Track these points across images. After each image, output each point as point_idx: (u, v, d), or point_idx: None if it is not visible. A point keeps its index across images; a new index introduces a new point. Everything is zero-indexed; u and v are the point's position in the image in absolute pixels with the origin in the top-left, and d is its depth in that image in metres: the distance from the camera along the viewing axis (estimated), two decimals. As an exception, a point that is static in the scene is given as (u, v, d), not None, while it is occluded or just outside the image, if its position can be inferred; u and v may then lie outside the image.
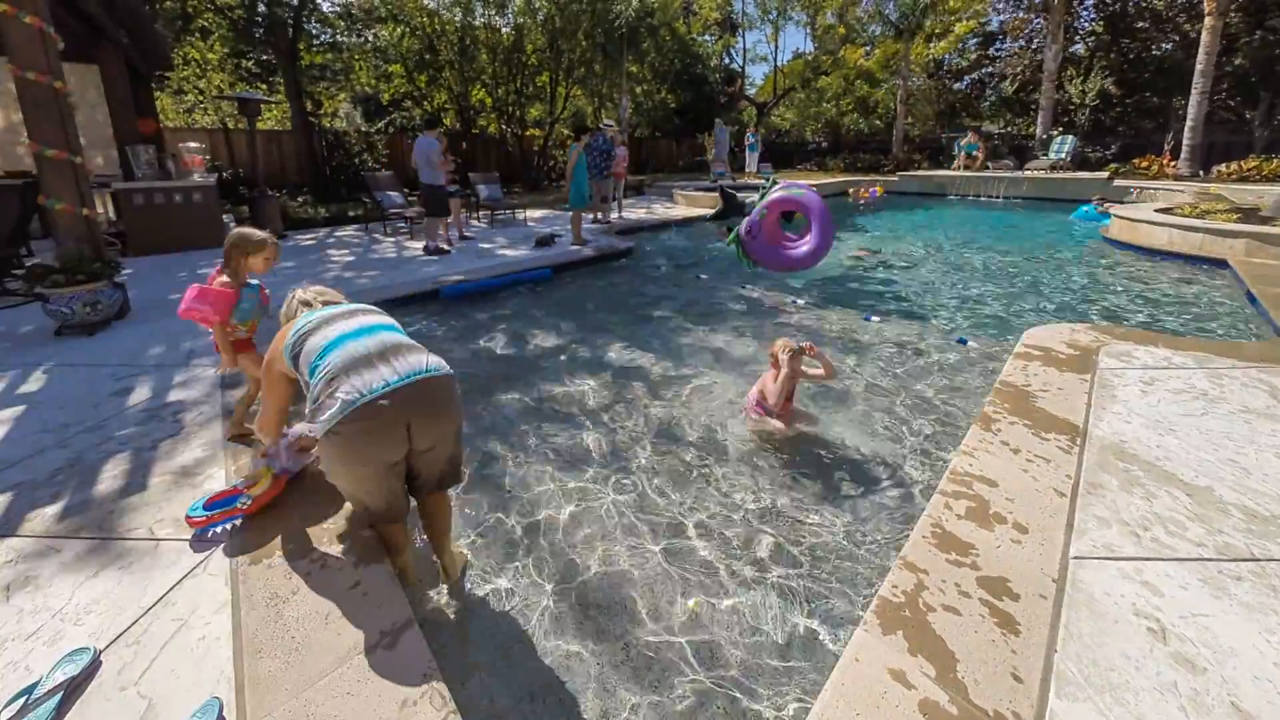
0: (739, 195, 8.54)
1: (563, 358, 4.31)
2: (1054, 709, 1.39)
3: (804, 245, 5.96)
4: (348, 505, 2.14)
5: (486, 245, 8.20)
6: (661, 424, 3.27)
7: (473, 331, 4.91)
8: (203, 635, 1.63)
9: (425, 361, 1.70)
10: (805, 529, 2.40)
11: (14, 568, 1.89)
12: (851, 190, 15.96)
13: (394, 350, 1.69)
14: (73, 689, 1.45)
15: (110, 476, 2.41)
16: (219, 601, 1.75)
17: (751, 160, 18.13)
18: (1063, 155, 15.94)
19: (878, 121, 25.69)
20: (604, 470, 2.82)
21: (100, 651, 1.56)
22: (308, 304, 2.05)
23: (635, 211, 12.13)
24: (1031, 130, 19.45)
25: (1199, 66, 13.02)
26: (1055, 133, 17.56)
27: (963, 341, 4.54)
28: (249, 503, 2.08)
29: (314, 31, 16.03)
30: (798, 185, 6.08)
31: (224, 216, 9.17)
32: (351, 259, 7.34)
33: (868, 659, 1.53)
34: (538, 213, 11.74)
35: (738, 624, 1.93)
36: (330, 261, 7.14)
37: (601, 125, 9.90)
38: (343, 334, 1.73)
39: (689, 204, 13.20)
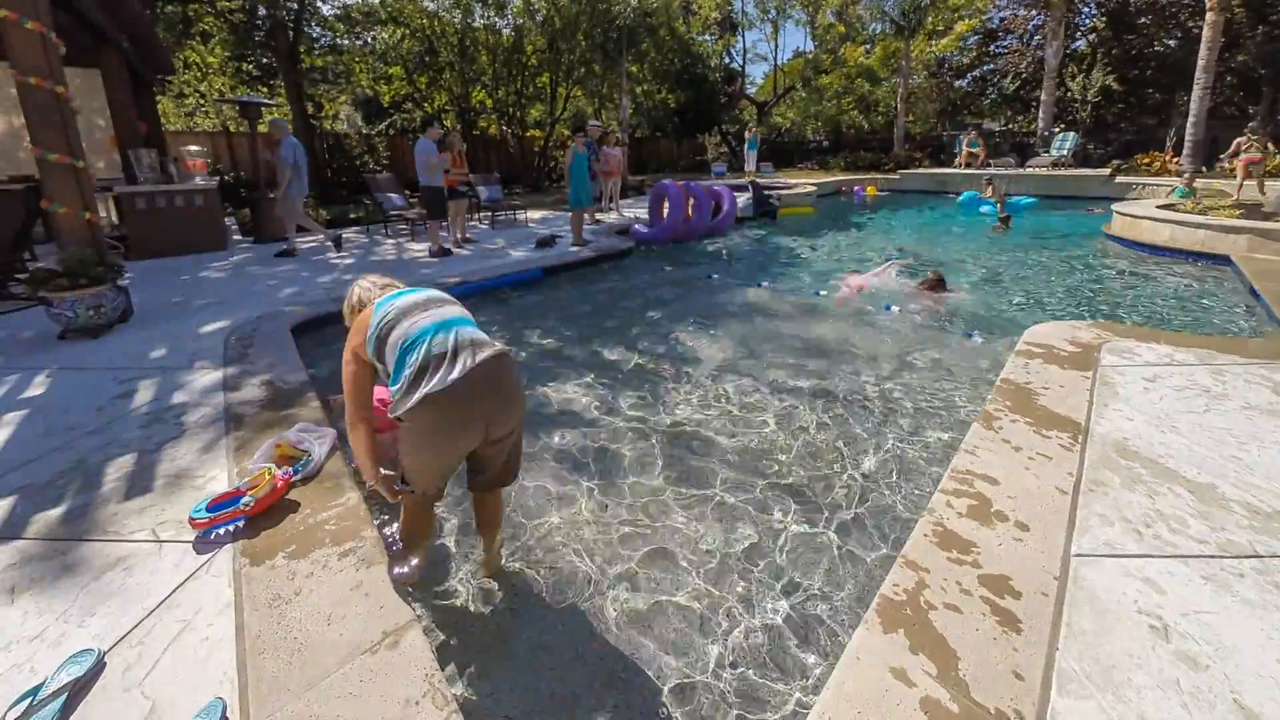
0: (767, 193, 9.55)
1: (559, 362, 4.32)
2: (1055, 707, 1.39)
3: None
4: (349, 506, 2.16)
5: (490, 247, 8.21)
6: (659, 427, 3.27)
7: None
8: (206, 636, 1.64)
9: (499, 354, 1.74)
10: (806, 528, 2.40)
11: (18, 570, 1.90)
12: (843, 189, 16.05)
13: (471, 344, 1.71)
14: (77, 690, 1.46)
15: (113, 479, 2.42)
16: (222, 603, 1.75)
17: (750, 159, 18.11)
18: (1064, 152, 15.90)
19: (879, 118, 25.64)
20: (606, 471, 2.82)
21: (104, 653, 1.57)
22: (370, 290, 1.98)
23: (637, 210, 12.12)
24: (1033, 127, 19.40)
25: (1201, 62, 12.97)
26: (1057, 130, 17.53)
27: (969, 335, 4.55)
28: (252, 504, 2.08)
29: (314, 34, 16.07)
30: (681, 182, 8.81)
31: (225, 219, 9.20)
32: (351, 261, 7.35)
33: (869, 657, 1.53)
34: (538, 214, 11.75)
35: (738, 624, 1.94)
36: (331, 264, 7.15)
37: (588, 125, 10.00)
38: (423, 329, 1.72)
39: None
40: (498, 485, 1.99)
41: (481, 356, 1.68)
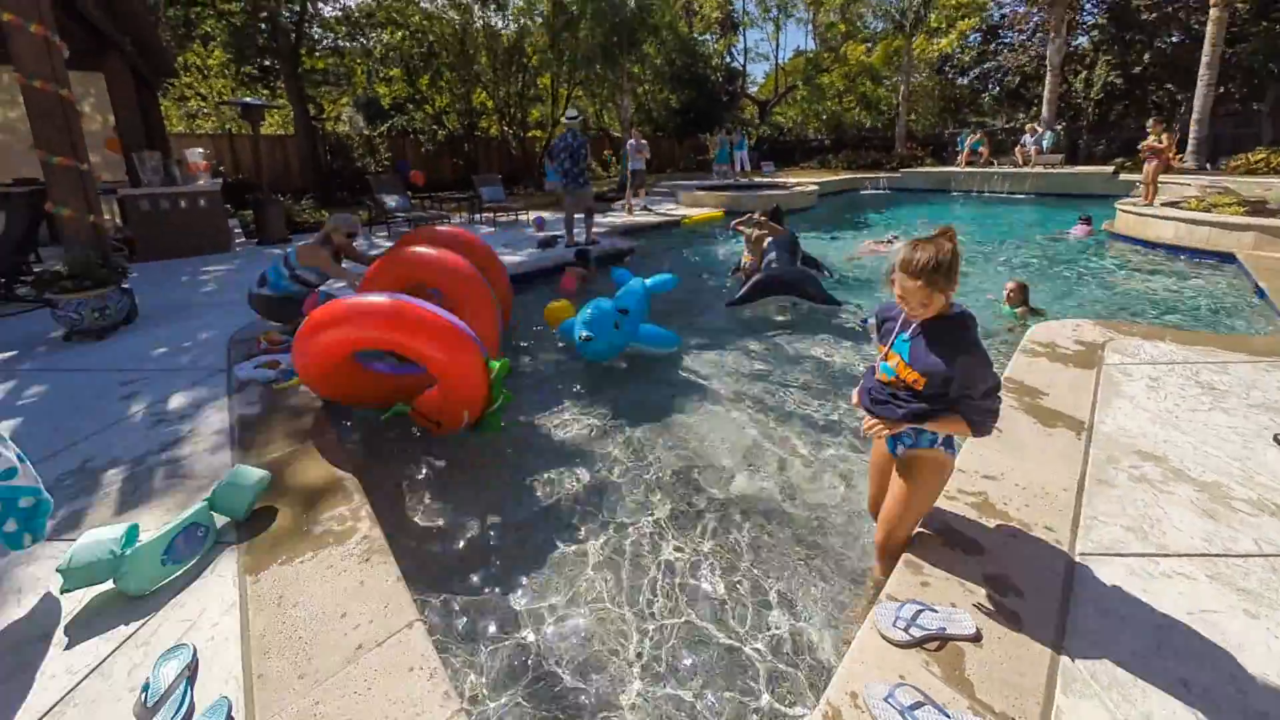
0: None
1: (551, 365, 4.32)
2: (1060, 706, 1.39)
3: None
4: (352, 506, 2.16)
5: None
6: (655, 433, 3.27)
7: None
8: (211, 636, 1.64)
9: None
10: (807, 528, 2.40)
11: (24, 570, 1.91)
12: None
13: None
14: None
15: (118, 480, 2.43)
16: (227, 602, 1.76)
17: (739, 160, 17.78)
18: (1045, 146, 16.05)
19: (881, 112, 25.57)
20: (594, 481, 2.82)
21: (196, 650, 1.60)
22: None
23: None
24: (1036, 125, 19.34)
25: (1204, 59, 12.92)
26: (1059, 126, 17.48)
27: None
28: None
29: (315, 36, 16.09)
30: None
31: (229, 221, 9.21)
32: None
33: (872, 657, 1.53)
34: (538, 214, 11.73)
35: (740, 624, 1.93)
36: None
37: (564, 119, 8.10)
38: None
39: (692, 203, 13.19)
40: None
41: None
